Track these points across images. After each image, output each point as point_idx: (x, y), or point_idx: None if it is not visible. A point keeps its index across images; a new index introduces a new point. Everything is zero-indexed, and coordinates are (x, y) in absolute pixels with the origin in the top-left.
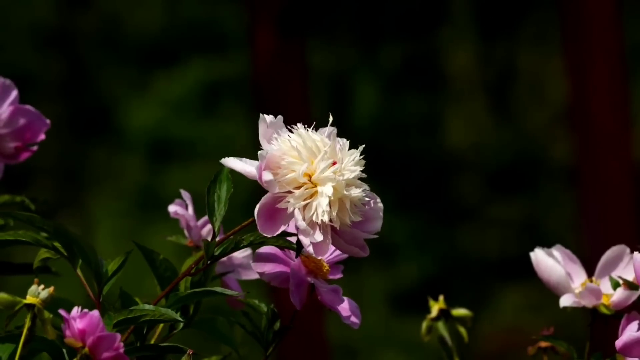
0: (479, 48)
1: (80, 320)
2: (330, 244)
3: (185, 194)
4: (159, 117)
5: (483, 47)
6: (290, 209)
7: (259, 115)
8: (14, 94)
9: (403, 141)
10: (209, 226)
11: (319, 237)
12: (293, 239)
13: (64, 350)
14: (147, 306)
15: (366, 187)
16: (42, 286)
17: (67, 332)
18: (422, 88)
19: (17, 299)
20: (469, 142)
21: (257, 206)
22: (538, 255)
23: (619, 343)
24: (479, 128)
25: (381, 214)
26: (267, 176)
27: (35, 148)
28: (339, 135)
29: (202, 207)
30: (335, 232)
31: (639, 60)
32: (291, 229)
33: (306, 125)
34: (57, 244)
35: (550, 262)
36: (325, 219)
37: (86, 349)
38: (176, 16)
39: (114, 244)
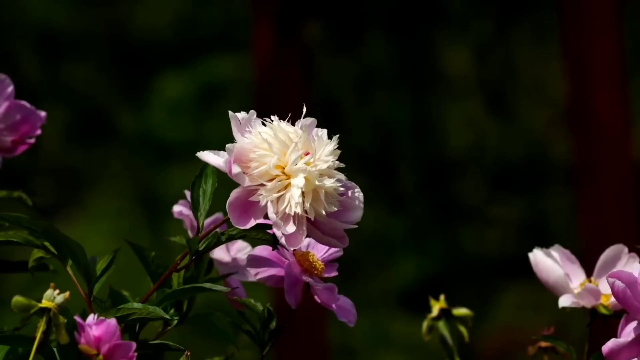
0: (478, 47)
1: (97, 327)
2: (304, 235)
3: (189, 195)
4: (159, 117)
5: (483, 47)
6: (262, 202)
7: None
8: (10, 89)
9: (403, 141)
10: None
11: (290, 228)
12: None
13: (55, 351)
14: (135, 304)
15: (342, 176)
16: (57, 291)
17: (82, 339)
18: (422, 87)
19: (32, 303)
20: (470, 142)
21: (229, 200)
22: (537, 256)
23: (604, 349)
24: (480, 128)
25: (361, 203)
26: (235, 169)
27: (32, 141)
28: (341, 137)
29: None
30: (311, 223)
31: (639, 60)
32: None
33: (278, 118)
34: (47, 244)
35: (549, 263)
36: (298, 210)
37: (100, 357)
38: (176, 17)
39: (114, 244)
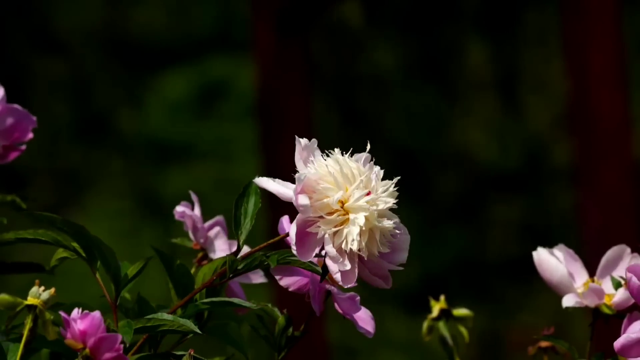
0: (480, 48)
1: (81, 321)
2: (357, 273)
3: (193, 196)
4: (159, 117)
5: (485, 47)
6: (320, 234)
7: (260, 116)
8: (0, 93)
9: (404, 140)
10: (216, 229)
11: (347, 265)
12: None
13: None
14: (166, 315)
15: (397, 219)
16: (42, 287)
17: (68, 334)
18: (423, 87)
19: (18, 300)
20: (471, 141)
21: (293, 230)
22: (541, 255)
23: (617, 345)
24: (481, 128)
25: (408, 245)
26: (303, 200)
27: (24, 147)
28: (341, 131)
29: (203, 208)
30: (361, 261)
31: (639, 60)
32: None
33: (343, 152)
34: (76, 245)
35: (553, 262)
36: (355, 247)
37: (87, 350)
38: (176, 17)
39: (113, 244)
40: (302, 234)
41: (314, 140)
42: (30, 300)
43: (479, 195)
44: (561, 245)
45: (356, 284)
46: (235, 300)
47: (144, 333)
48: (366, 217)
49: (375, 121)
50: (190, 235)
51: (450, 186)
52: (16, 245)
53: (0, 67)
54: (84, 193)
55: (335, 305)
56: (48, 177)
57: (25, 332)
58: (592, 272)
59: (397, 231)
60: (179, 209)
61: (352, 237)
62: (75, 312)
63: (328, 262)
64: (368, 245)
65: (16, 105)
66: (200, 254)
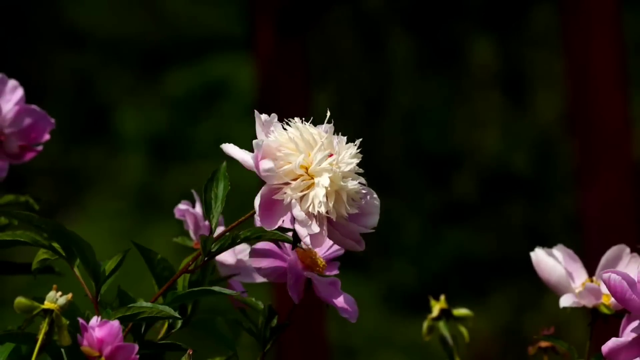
0: (483, 48)
1: (100, 329)
2: (326, 235)
3: (195, 194)
4: (158, 117)
5: (490, 46)
6: (287, 200)
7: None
8: (20, 93)
9: (406, 139)
10: (219, 228)
11: (315, 228)
12: (288, 234)
13: (63, 352)
14: (144, 303)
15: (362, 180)
16: (60, 292)
17: (84, 341)
18: (427, 85)
19: (35, 304)
20: (471, 141)
21: (257, 198)
22: (538, 255)
23: (604, 348)
24: (481, 127)
25: (378, 209)
26: (267, 164)
27: (40, 148)
28: (342, 131)
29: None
30: (331, 225)
31: (639, 60)
32: (286, 223)
33: (303, 119)
34: (55, 244)
35: (551, 262)
36: (322, 209)
37: (103, 359)
38: (177, 16)
39: (113, 244)
40: (268, 203)
41: (273, 115)
42: (47, 304)
43: (479, 195)
44: (560, 246)
45: (338, 271)
46: (215, 288)
47: (123, 322)
48: (330, 179)
49: (377, 120)
50: (191, 234)
51: (451, 185)
52: (18, 246)
53: None
54: (84, 193)
55: (316, 291)
56: (48, 177)
57: (41, 336)
58: (592, 273)
59: (364, 191)
60: (180, 207)
61: (319, 199)
62: (94, 319)
63: (297, 227)
64: (335, 206)
65: (34, 106)
66: None
